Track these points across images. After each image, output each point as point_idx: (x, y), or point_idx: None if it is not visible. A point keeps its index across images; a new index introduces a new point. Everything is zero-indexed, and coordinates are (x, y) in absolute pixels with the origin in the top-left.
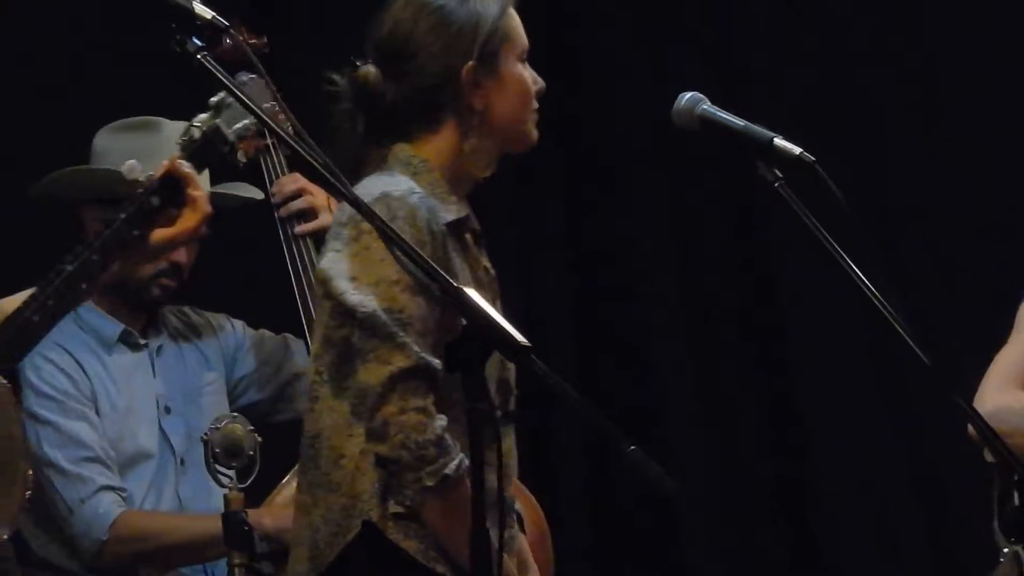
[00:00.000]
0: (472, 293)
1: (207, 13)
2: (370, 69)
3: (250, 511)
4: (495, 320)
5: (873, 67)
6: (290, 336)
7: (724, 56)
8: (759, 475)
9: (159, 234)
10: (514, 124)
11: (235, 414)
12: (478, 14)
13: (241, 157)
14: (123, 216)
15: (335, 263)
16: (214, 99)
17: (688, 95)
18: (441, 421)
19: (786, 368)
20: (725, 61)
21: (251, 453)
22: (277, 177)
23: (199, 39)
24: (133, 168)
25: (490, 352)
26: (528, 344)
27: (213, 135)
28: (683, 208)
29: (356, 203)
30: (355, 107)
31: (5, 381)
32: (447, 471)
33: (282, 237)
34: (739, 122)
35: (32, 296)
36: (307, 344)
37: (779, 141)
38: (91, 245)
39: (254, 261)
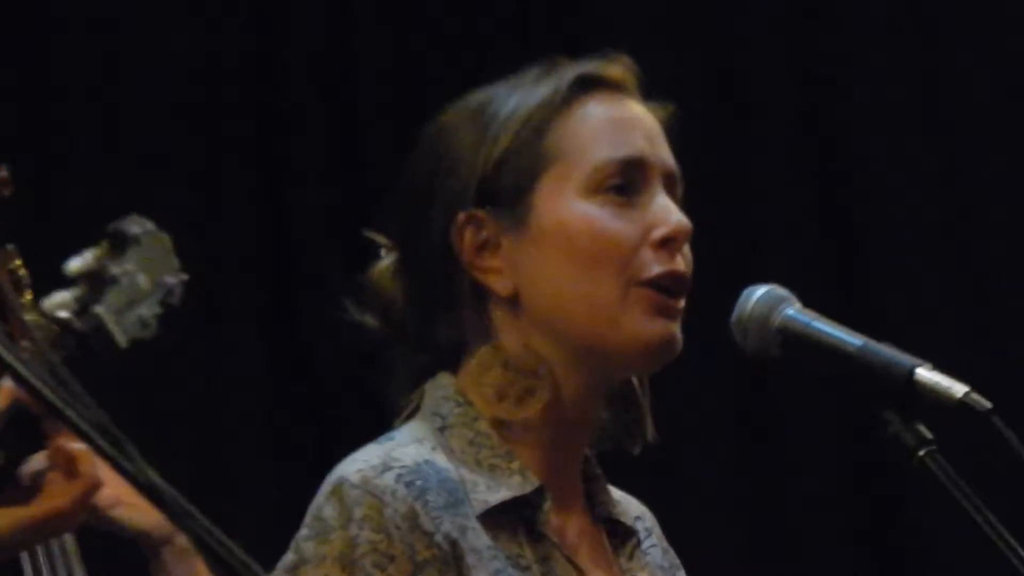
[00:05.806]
0: None
1: None
2: (380, 263)
3: None
4: None
5: None
6: None
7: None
8: None
9: (8, 517)
10: (575, 311)
11: None
12: (487, 128)
13: None
14: None
15: None
16: (78, 264)
17: (760, 290)
18: None
19: None
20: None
21: None
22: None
23: None
24: None
25: None
26: None
27: (94, 334)
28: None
29: (149, 488)
30: (379, 324)
31: None
32: None
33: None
34: (855, 341)
35: None
36: None
37: (925, 373)
38: None
39: None
